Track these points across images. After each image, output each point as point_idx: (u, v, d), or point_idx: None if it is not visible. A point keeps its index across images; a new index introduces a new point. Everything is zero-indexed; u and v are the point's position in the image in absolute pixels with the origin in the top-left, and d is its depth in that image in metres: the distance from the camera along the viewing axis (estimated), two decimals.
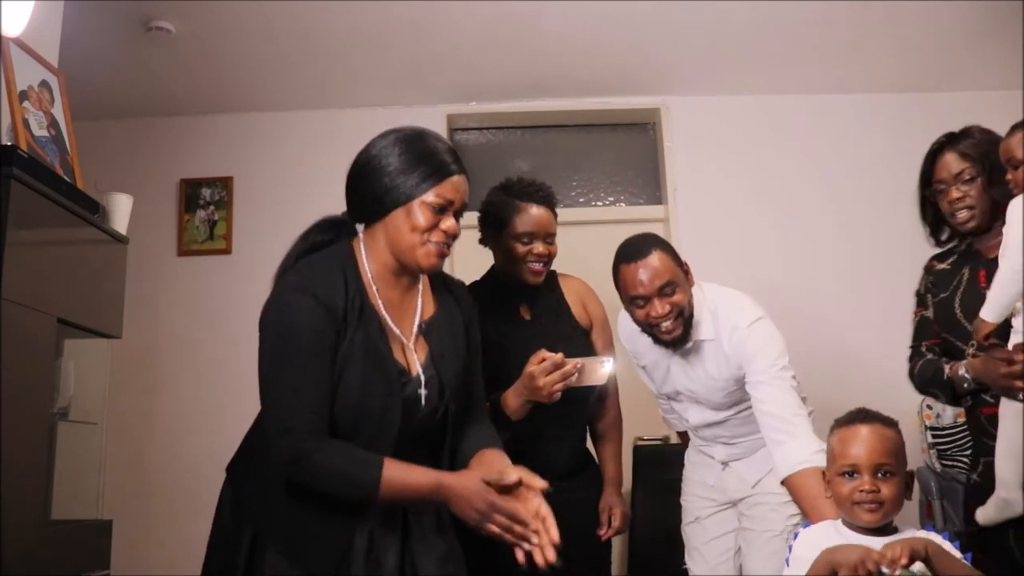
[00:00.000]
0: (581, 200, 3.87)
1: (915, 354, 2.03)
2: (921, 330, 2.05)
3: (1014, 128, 1.80)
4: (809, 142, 3.75)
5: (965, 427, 2.21)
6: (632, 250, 1.94)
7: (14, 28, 2.06)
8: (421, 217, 1.52)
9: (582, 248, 3.35)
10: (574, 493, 2.06)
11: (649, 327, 1.97)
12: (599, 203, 3.87)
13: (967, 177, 1.93)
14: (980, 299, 1.80)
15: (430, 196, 1.52)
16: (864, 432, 1.50)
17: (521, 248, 2.07)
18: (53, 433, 2.07)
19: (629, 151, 3.94)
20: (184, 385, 3.54)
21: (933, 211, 2.06)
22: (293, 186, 3.67)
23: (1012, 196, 1.78)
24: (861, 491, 1.46)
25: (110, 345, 2.38)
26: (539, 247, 2.07)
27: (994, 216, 1.89)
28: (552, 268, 2.17)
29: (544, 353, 1.87)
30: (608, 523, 2.15)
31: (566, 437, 2.14)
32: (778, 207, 3.68)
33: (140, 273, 3.03)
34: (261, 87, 3.56)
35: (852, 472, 1.48)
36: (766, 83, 3.70)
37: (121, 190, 2.41)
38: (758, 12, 3.09)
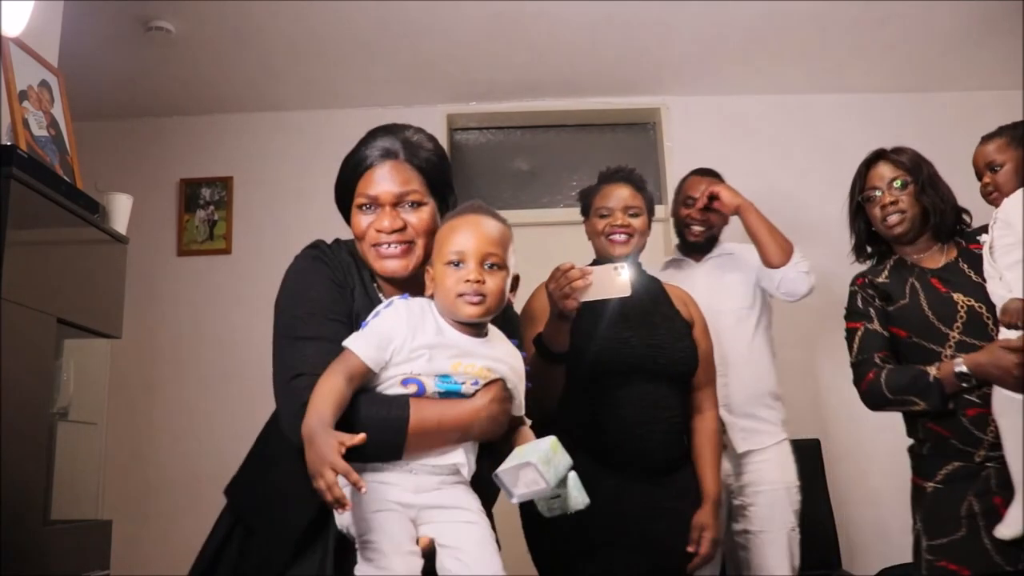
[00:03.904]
0: None
1: (868, 367, 1.97)
2: (869, 343, 2.00)
3: (989, 137, 1.95)
4: (809, 142, 3.75)
5: None
6: (700, 171, 2.71)
7: (14, 28, 2.06)
8: (355, 223, 1.47)
9: (582, 247, 3.35)
10: (661, 500, 1.90)
11: (687, 225, 2.60)
12: None
13: (899, 183, 2.02)
14: (948, 303, 1.92)
15: (357, 198, 1.47)
16: (473, 221, 1.38)
17: (601, 223, 2.11)
18: (53, 433, 2.07)
19: (629, 151, 3.94)
20: (184, 385, 3.54)
21: (863, 225, 2.14)
22: (293, 186, 3.67)
23: (940, 207, 1.98)
24: (467, 281, 1.33)
25: (110, 345, 2.38)
26: (618, 218, 2.09)
27: (922, 227, 2.02)
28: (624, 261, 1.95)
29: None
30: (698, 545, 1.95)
31: (656, 424, 1.92)
32: (778, 207, 3.68)
33: (140, 273, 3.03)
34: (261, 87, 3.56)
35: (458, 261, 1.35)
36: (766, 83, 3.70)
37: (121, 190, 2.41)
38: (758, 12, 3.10)
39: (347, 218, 1.52)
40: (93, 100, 3.43)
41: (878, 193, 2.06)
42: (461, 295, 1.32)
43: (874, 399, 1.97)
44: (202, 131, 3.76)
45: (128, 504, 3.24)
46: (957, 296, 1.92)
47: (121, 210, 2.38)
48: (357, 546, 1.24)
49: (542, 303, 1.86)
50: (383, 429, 1.25)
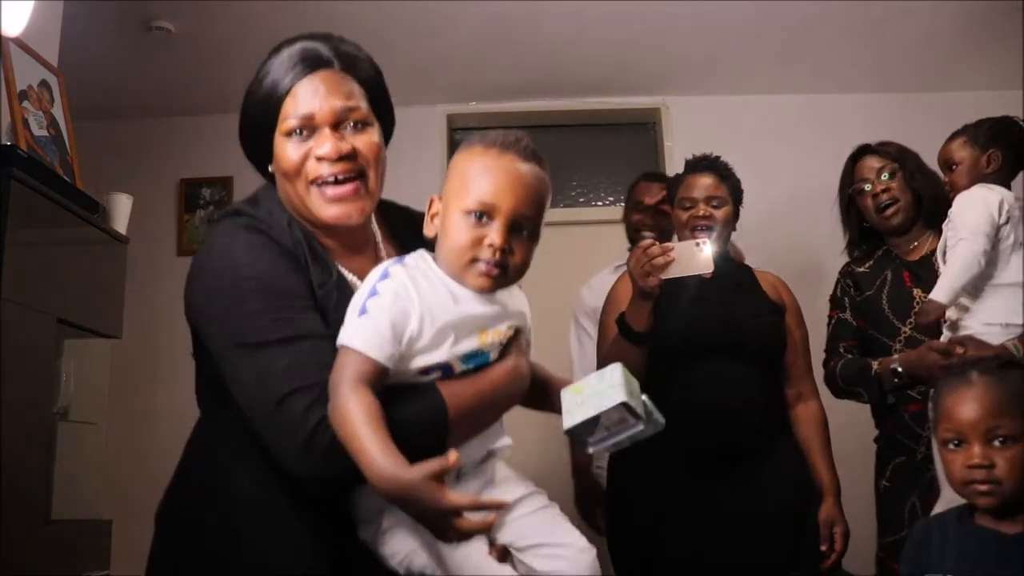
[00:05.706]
0: (581, 200, 3.86)
1: (832, 355, 2.04)
2: (839, 332, 2.06)
3: (953, 135, 1.95)
4: (809, 142, 3.74)
5: None
6: (649, 175, 2.63)
7: (14, 28, 2.06)
8: (284, 156, 1.13)
9: (582, 248, 3.36)
10: (736, 494, 1.83)
11: (637, 231, 2.50)
12: (599, 203, 3.86)
13: (888, 172, 2.03)
14: (906, 298, 1.94)
15: (285, 122, 1.12)
16: (514, 166, 1.08)
17: (684, 214, 2.03)
18: (53, 433, 2.07)
19: (629, 151, 3.94)
20: (184, 385, 3.50)
21: (854, 220, 2.14)
22: None
23: (931, 191, 1.99)
24: (489, 245, 1.04)
25: (110, 345, 2.38)
26: (700, 209, 2.00)
27: (916, 215, 2.02)
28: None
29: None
30: (831, 542, 1.89)
31: (729, 403, 1.86)
32: (778, 208, 3.68)
33: (140, 273, 3.02)
34: None
35: (482, 214, 1.04)
36: (766, 83, 3.70)
37: (121, 190, 2.41)
38: (757, 12, 3.09)
39: (262, 166, 1.23)
40: (93, 100, 3.41)
41: (868, 186, 2.06)
42: (475, 260, 1.03)
43: (832, 387, 2.04)
44: (202, 131, 3.75)
45: (128, 504, 3.23)
46: (917, 292, 1.94)
47: (121, 210, 2.38)
48: None
49: (626, 288, 1.87)
50: (420, 425, 0.99)
